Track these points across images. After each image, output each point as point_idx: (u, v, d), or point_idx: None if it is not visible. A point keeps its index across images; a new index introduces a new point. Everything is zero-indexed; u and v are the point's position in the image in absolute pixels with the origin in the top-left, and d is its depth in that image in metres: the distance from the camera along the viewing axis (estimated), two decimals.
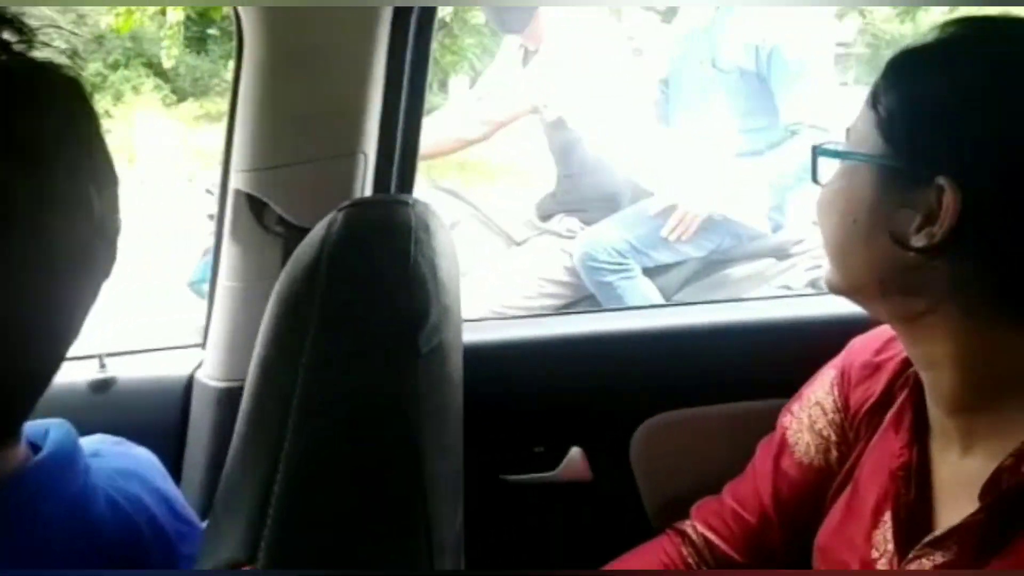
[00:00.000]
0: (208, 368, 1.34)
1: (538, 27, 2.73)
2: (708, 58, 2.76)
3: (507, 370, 1.39)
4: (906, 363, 1.01)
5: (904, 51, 0.88)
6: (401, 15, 1.15)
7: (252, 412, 0.87)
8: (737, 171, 2.69)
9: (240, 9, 1.14)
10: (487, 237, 2.88)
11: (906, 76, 0.86)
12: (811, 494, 1.09)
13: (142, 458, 0.85)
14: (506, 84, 2.88)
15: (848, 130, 0.91)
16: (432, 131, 2.81)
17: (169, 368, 1.38)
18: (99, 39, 9.25)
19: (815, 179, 0.93)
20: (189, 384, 1.36)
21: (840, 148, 0.91)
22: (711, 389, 1.43)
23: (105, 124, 0.67)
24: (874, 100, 0.87)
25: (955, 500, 0.89)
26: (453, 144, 2.94)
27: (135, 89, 9.28)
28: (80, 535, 0.71)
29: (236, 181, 1.23)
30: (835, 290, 0.94)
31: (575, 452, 1.43)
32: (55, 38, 0.64)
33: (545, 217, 2.94)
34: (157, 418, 1.32)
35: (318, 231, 0.89)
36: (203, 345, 1.38)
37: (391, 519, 0.79)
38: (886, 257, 0.85)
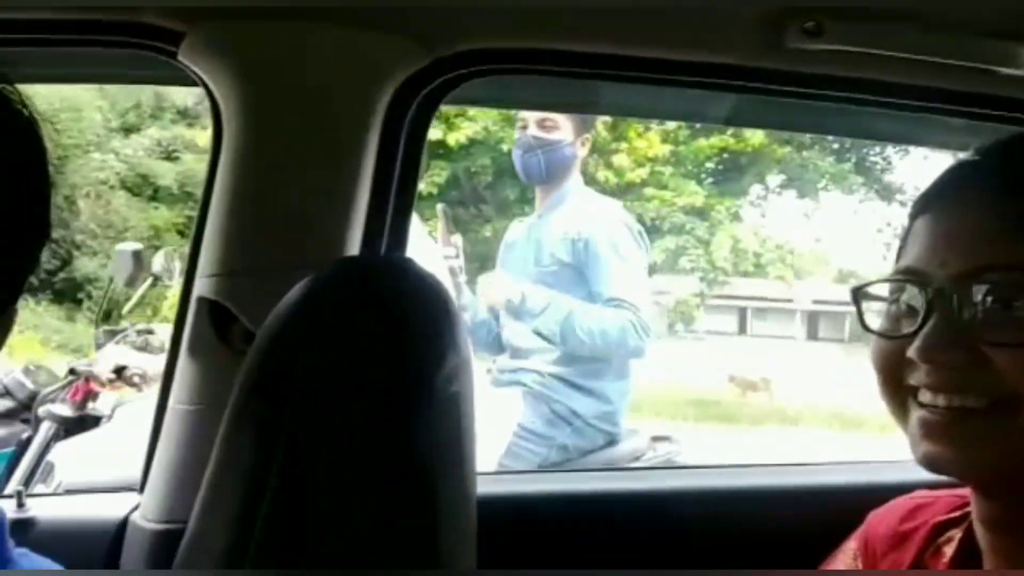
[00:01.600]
0: (147, 508, 1.16)
1: None
2: (531, 259, 2.88)
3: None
4: (936, 531, 0.94)
5: None
6: (399, 103, 1.09)
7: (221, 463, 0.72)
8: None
9: (219, 94, 1.07)
10: None
11: None
12: None
13: None
14: None
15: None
16: None
17: (99, 510, 1.19)
18: None
19: None
20: (121, 529, 1.16)
21: None
22: (718, 559, 1.28)
23: None
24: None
25: None
26: None
27: None
28: None
29: (201, 288, 1.12)
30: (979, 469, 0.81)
31: None
32: None
33: None
34: (81, 565, 1.11)
35: (306, 281, 0.79)
36: (140, 489, 1.20)
37: None
38: None
